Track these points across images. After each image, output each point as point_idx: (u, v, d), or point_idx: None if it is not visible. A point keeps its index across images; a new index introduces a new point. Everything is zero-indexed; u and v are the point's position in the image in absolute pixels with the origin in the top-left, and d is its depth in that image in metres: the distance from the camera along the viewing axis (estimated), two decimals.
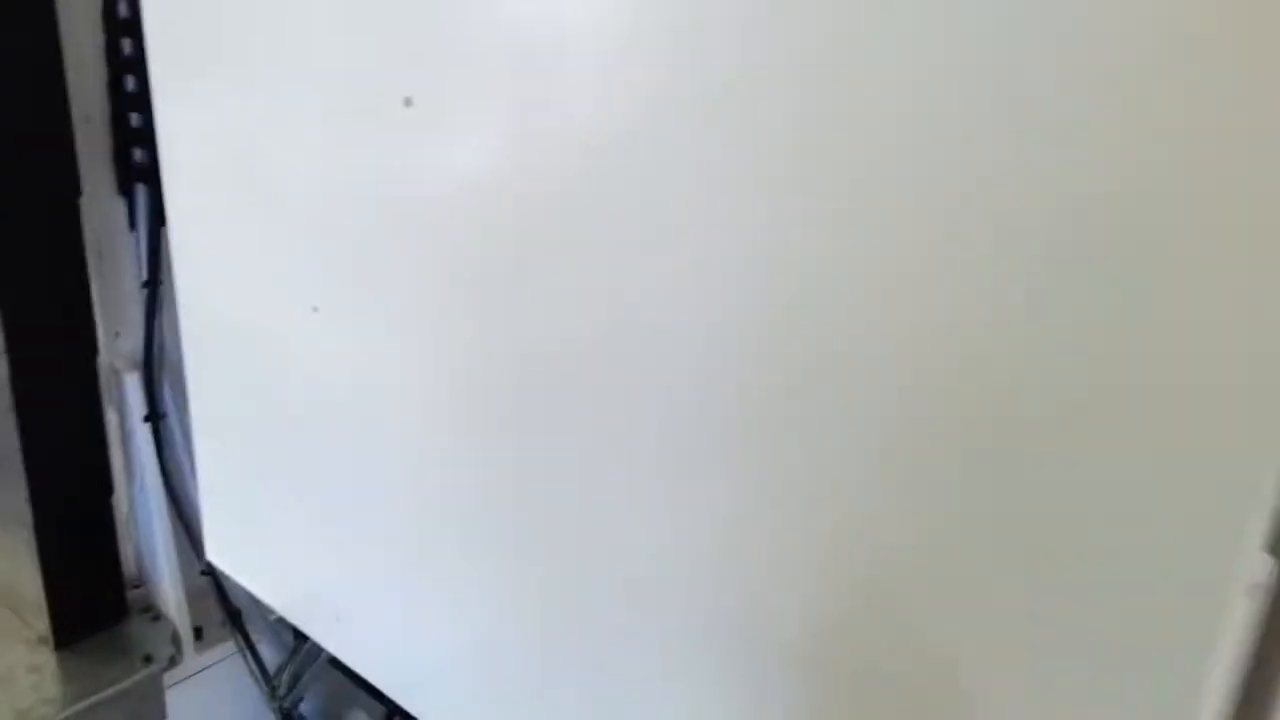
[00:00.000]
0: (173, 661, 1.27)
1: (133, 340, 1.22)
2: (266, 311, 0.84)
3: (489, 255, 0.61)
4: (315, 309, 0.77)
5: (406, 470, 0.75)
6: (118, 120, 1.15)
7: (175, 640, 1.28)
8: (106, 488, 1.23)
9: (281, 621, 1.35)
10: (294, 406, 0.85)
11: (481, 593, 0.72)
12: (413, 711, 0.84)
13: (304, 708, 1.28)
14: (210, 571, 1.30)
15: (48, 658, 1.24)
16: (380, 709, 1.14)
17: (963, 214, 0.41)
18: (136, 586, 1.31)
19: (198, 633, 1.31)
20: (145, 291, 1.20)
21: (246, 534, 1.01)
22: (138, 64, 1.08)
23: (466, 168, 0.61)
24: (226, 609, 1.31)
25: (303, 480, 0.87)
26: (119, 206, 1.20)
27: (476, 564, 0.72)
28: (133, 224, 1.21)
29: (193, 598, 1.31)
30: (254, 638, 1.33)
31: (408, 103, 0.62)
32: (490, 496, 0.68)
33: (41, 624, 1.24)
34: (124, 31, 1.10)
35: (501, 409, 0.65)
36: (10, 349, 1.11)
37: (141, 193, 1.18)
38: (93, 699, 1.19)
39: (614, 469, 0.59)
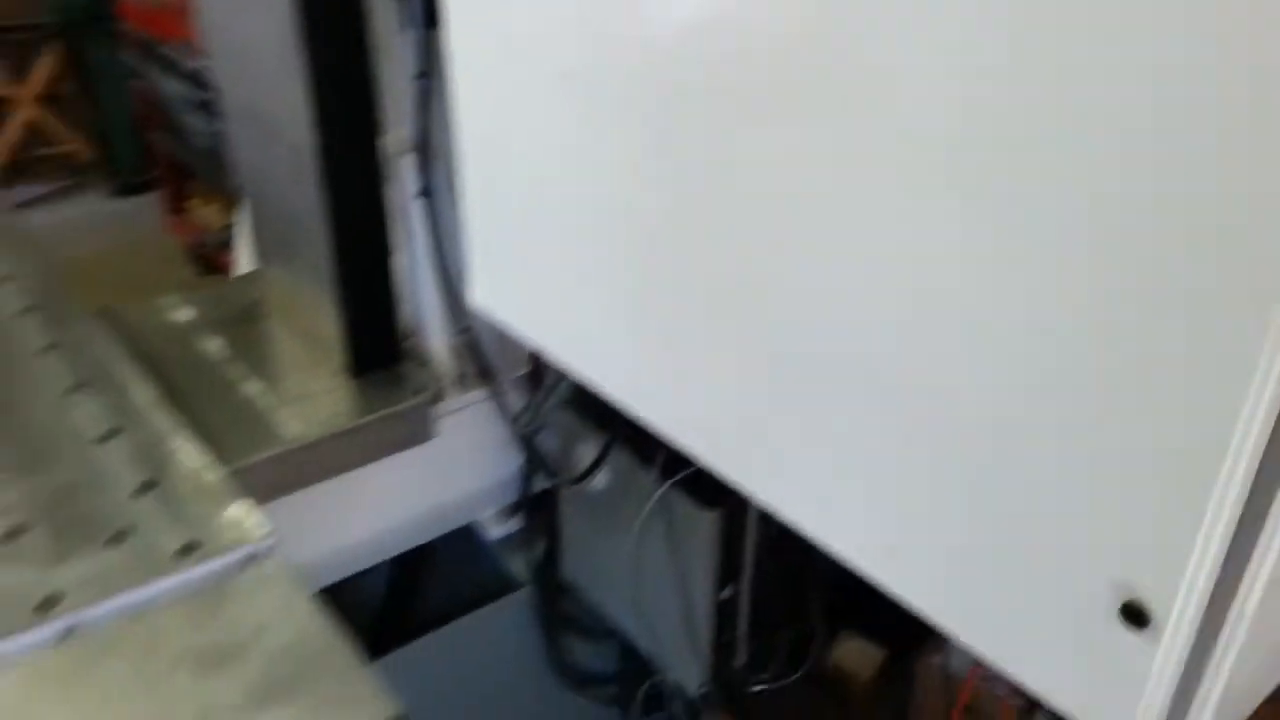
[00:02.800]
0: (436, 397, 1.55)
1: (407, 126, 1.45)
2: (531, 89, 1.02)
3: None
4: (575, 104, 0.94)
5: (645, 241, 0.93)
6: None
7: (439, 380, 1.56)
8: (388, 250, 1.50)
9: (522, 378, 1.61)
10: (555, 182, 1.04)
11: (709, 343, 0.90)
12: (635, 412, 1.04)
13: (541, 439, 1.54)
14: (467, 330, 1.56)
15: (343, 383, 1.55)
16: (602, 440, 1.37)
17: None
18: (412, 337, 1.60)
19: (460, 379, 1.59)
20: (417, 84, 1.41)
21: (504, 281, 1.24)
22: None
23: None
24: (478, 362, 1.57)
25: (556, 235, 1.08)
26: (392, 9, 1.40)
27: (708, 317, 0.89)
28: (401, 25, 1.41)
29: (455, 350, 1.58)
30: (503, 387, 1.59)
31: None
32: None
33: (339, 360, 1.55)
34: None
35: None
36: (318, 131, 1.36)
37: None
38: (376, 415, 1.49)
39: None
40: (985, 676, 1.92)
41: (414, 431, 1.53)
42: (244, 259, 2.55)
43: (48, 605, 0.92)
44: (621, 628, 1.50)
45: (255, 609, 0.94)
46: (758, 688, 1.65)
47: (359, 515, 1.60)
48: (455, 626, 1.62)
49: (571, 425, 1.44)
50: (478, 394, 1.60)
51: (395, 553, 1.70)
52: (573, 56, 0.95)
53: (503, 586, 1.71)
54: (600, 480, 1.42)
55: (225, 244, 3.70)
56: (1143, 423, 0.60)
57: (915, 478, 0.76)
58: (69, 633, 0.91)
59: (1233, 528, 0.59)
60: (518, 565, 1.71)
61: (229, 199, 3.81)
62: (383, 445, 1.51)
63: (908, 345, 0.73)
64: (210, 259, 3.77)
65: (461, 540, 1.76)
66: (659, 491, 1.29)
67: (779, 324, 0.83)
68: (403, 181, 1.47)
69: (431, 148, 1.45)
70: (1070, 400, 0.64)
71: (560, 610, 1.64)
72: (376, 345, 1.55)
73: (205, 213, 3.92)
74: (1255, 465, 0.57)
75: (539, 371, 1.56)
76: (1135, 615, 0.64)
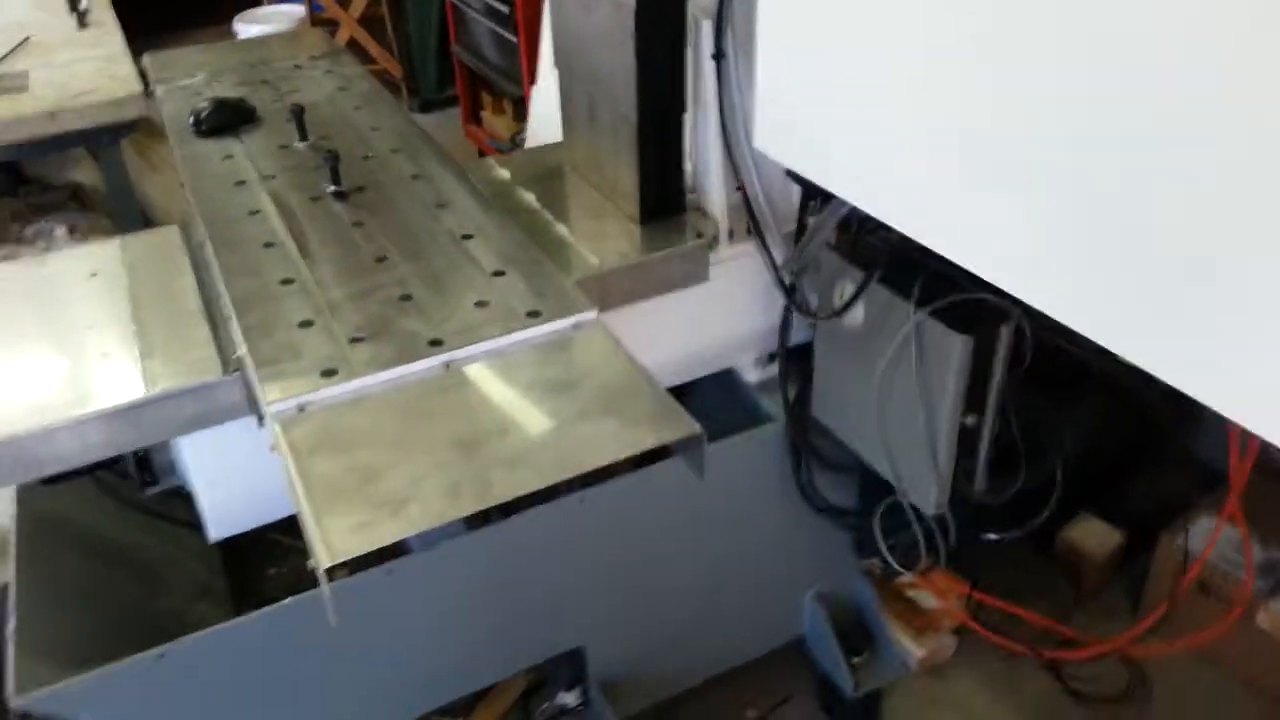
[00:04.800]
0: (712, 243, 1.76)
1: None
2: None
3: None
4: None
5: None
6: None
7: (716, 229, 1.77)
8: (682, 107, 1.70)
9: (788, 235, 1.78)
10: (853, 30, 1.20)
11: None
12: (902, 227, 1.20)
13: (803, 282, 1.71)
14: (741, 188, 1.75)
15: (634, 228, 1.78)
16: (861, 274, 1.53)
17: None
18: (692, 192, 1.81)
19: (733, 233, 1.79)
20: None
21: (789, 125, 1.41)
22: None
23: None
24: (752, 217, 1.76)
25: (850, 81, 1.23)
26: None
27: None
28: None
29: (730, 205, 1.77)
30: (771, 241, 1.77)
31: None
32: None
33: (631, 208, 1.79)
34: None
35: None
36: None
37: None
38: (660, 252, 1.72)
39: None
40: (1226, 559, 1.94)
41: (691, 271, 1.75)
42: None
43: (434, 344, 1.21)
44: (866, 456, 1.67)
45: (585, 358, 1.19)
46: (993, 536, 1.77)
47: (640, 348, 1.84)
48: (712, 449, 1.82)
49: (833, 265, 1.60)
50: (748, 246, 1.79)
51: (668, 385, 1.94)
52: None
53: (756, 424, 1.91)
54: (856, 316, 1.58)
55: (511, 151, 4.11)
56: None
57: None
58: (449, 365, 1.19)
59: None
60: (771, 406, 1.90)
61: (516, 110, 4.22)
62: (664, 281, 1.73)
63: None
64: None
65: (722, 381, 1.98)
66: (915, 318, 1.43)
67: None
68: (700, 45, 1.66)
69: (729, 12, 1.61)
70: None
71: (808, 443, 1.82)
72: (664, 195, 1.77)
73: (496, 123, 4.34)
74: None
75: (804, 229, 1.73)
76: None
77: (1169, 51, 0.84)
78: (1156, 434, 2.08)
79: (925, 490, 1.54)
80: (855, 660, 1.93)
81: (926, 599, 2.01)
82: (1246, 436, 1.48)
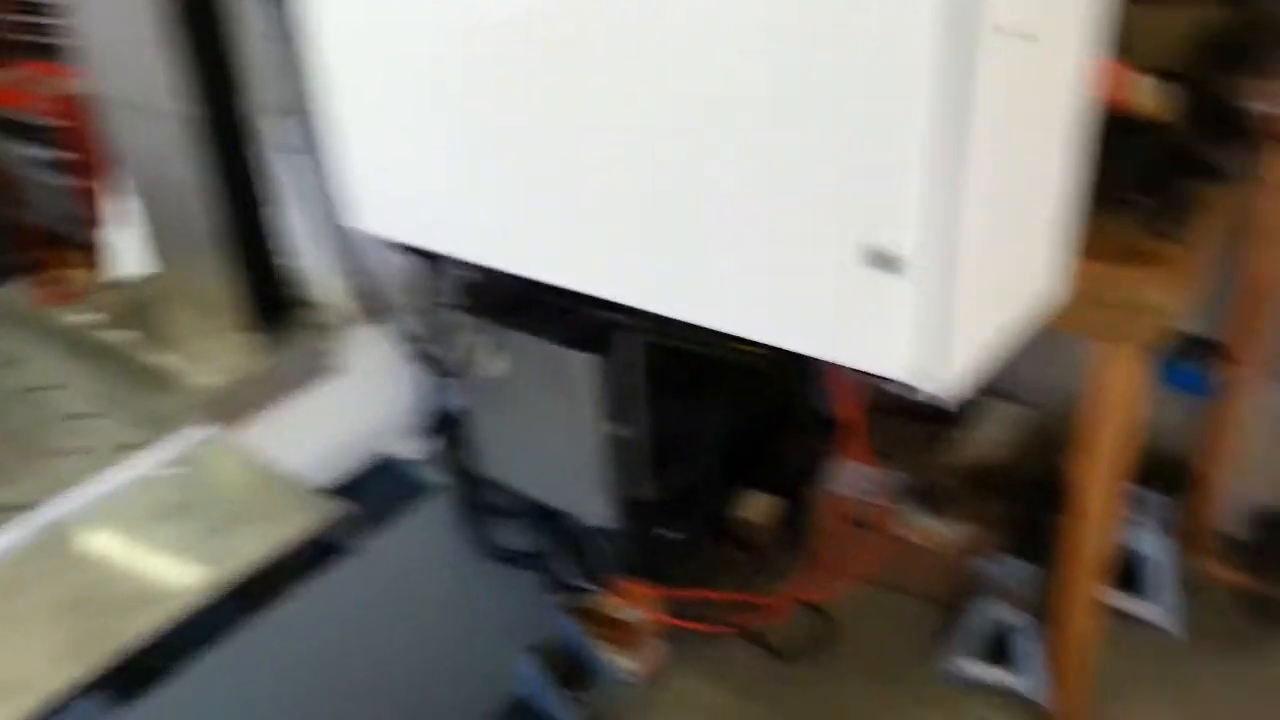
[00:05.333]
0: (329, 336, 1.71)
1: (269, 91, 1.60)
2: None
3: None
4: None
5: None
6: None
7: (333, 321, 1.73)
8: (262, 206, 1.65)
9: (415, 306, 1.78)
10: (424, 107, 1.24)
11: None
12: (502, 265, 1.25)
13: (439, 347, 1.72)
14: (358, 270, 1.72)
15: (248, 339, 1.70)
16: (488, 325, 1.57)
17: None
18: (304, 285, 1.76)
19: (359, 315, 1.76)
20: (278, 47, 1.53)
21: (384, 200, 1.42)
22: None
23: None
24: (374, 298, 1.74)
25: (432, 147, 1.27)
26: None
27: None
28: None
29: (350, 290, 1.74)
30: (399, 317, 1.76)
31: None
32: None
33: (239, 319, 1.70)
34: None
35: None
36: (188, 102, 1.51)
37: None
38: (279, 357, 1.65)
39: None
40: (865, 491, 2.20)
41: (317, 366, 1.70)
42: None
43: (16, 510, 1.08)
44: (536, 494, 1.71)
45: (208, 476, 1.12)
46: (670, 535, 1.87)
47: (286, 452, 1.73)
48: (387, 534, 1.75)
49: (460, 322, 1.63)
50: (378, 328, 1.77)
51: (330, 483, 1.85)
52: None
53: (424, 498, 1.88)
54: (498, 366, 1.62)
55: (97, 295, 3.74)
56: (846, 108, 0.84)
57: (696, 222, 0.99)
58: (40, 527, 1.07)
59: (942, 171, 0.82)
60: (437, 476, 1.89)
61: (93, 256, 3.86)
62: (291, 382, 1.66)
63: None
64: None
65: (382, 468, 1.93)
66: (544, 350, 1.49)
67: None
68: (276, 139, 1.62)
69: (305, 105, 1.59)
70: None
71: (479, 499, 1.83)
72: (270, 299, 1.71)
73: (73, 276, 3.94)
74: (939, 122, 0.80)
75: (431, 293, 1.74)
76: (883, 261, 0.87)
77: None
78: (784, 403, 2.31)
79: (593, 506, 1.60)
80: (580, 698, 1.95)
81: (630, 613, 2.08)
82: (847, 382, 1.70)
